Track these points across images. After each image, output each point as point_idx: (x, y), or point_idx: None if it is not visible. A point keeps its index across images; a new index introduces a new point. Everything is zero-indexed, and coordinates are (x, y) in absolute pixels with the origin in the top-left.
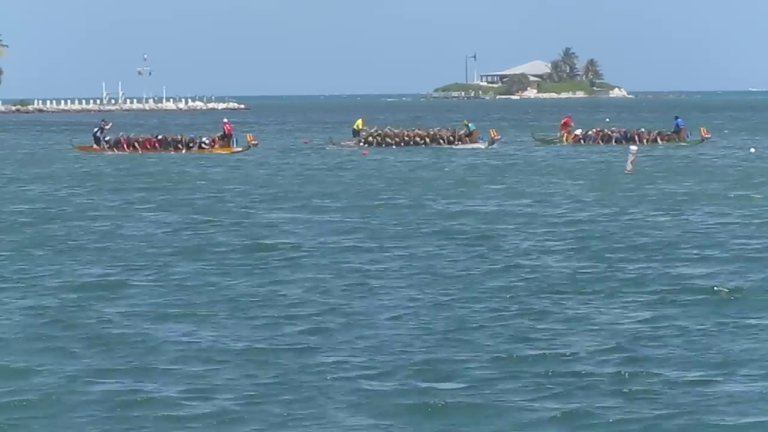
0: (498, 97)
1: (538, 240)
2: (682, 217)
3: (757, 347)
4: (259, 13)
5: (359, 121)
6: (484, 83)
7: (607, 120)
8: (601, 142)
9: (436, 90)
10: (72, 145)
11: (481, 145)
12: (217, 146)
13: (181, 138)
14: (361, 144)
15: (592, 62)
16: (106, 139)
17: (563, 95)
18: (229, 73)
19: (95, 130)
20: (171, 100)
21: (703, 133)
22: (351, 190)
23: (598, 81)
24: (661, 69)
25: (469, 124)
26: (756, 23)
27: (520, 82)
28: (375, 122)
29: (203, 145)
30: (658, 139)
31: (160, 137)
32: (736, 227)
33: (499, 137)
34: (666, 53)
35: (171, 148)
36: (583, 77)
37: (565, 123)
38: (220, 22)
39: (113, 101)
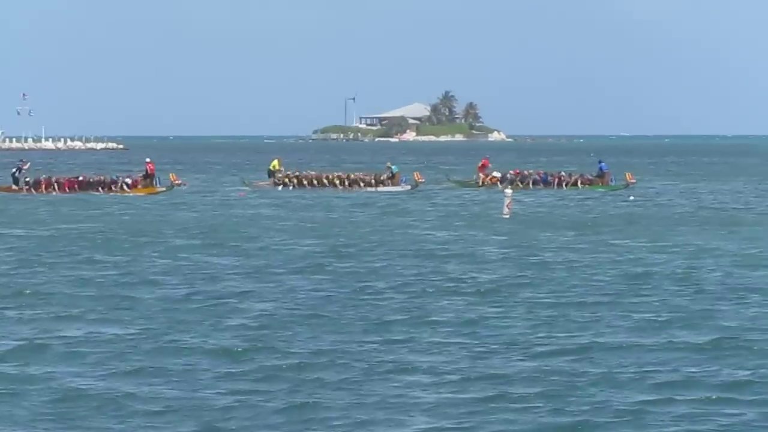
0: (377, 139)
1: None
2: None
3: None
4: (138, 51)
5: (275, 162)
6: (364, 125)
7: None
8: (519, 184)
9: (315, 131)
10: None
11: (403, 188)
12: (140, 186)
13: (103, 179)
14: (277, 185)
15: (471, 105)
16: (26, 179)
17: (442, 138)
18: (108, 112)
19: (13, 170)
20: (50, 139)
21: (628, 178)
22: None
23: (477, 124)
24: (540, 113)
25: (392, 167)
26: (632, 69)
27: (399, 124)
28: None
29: (125, 186)
30: (579, 183)
31: (81, 178)
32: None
33: (423, 180)
34: (545, 98)
35: (93, 189)
36: (463, 120)
37: (483, 165)
38: (100, 61)
39: None
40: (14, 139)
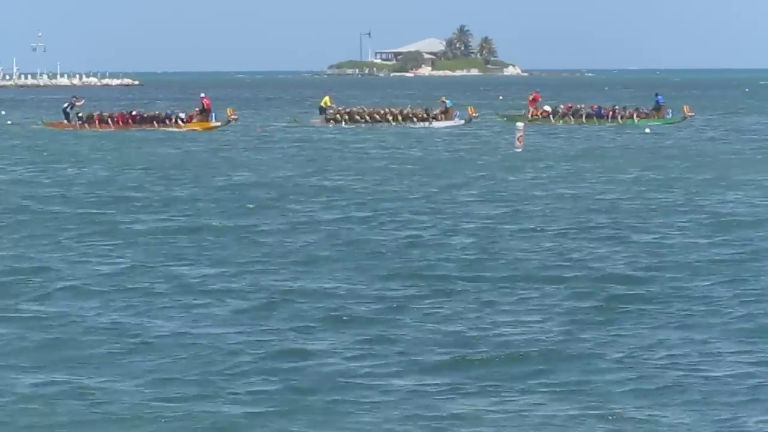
0: (392, 74)
1: None
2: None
3: None
4: None
5: (326, 99)
6: (379, 60)
7: (501, 98)
8: (571, 118)
9: (330, 67)
10: (41, 122)
11: (458, 122)
12: (195, 121)
13: (158, 114)
14: (329, 121)
15: (486, 40)
16: (79, 114)
17: (458, 73)
18: (122, 48)
19: (65, 105)
20: (65, 75)
21: (685, 111)
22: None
23: (492, 59)
24: (554, 47)
25: (446, 101)
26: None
27: (414, 59)
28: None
29: (180, 121)
30: (635, 117)
31: (134, 113)
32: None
33: (476, 115)
34: (560, 32)
35: (147, 124)
36: (478, 55)
37: (533, 99)
38: None
39: (7, 77)
40: (29, 76)
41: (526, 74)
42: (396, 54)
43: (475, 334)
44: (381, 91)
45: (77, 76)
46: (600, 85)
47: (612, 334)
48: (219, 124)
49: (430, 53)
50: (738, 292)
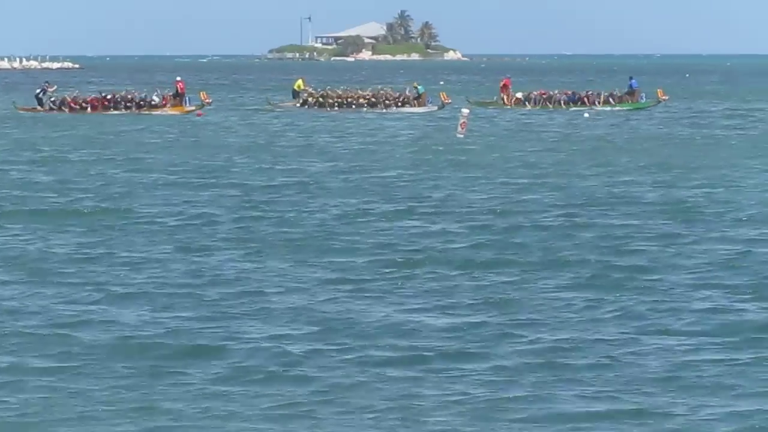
0: (333, 58)
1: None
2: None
3: None
4: None
5: (299, 81)
6: (319, 45)
7: (441, 83)
8: (548, 104)
9: (271, 51)
10: (14, 107)
11: (431, 108)
12: (169, 106)
13: (131, 97)
14: (299, 105)
15: (427, 24)
16: (52, 99)
17: (398, 57)
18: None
19: (38, 91)
20: (5, 59)
21: (659, 95)
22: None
23: (433, 43)
24: (494, 33)
25: (419, 87)
26: None
27: (355, 44)
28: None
29: (153, 104)
30: (611, 100)
31: (109, 96)
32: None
33: (449, 101)
34: (500, 16)
35: (121, 108)
36: (418, 39)
37: (504, 85)
38: None
39: None
40: None
41: (466, 59)
42: (336, 38)
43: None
44: (325, 76)
45: (17, 59)
46: (540, 71)
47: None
48: (193, 108)
49: (371, 38)
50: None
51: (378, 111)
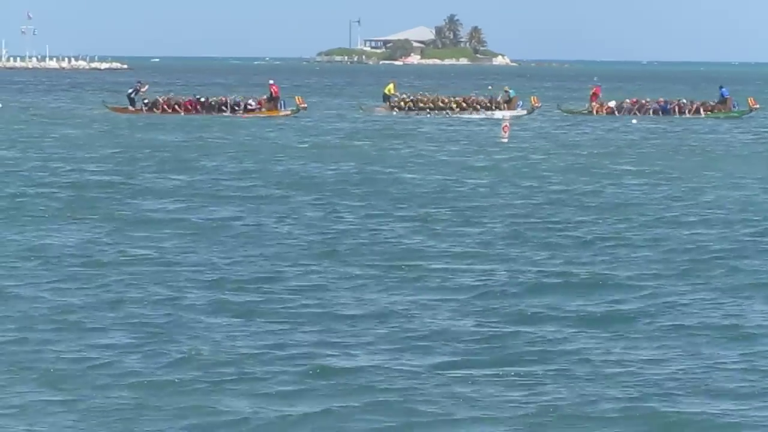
0: (381, 62)
1: None
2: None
3: None
4: None
5: (390, 86)
6: (368, 48)
7: (490, 87)
8: (637, 113)
9: (320, 54)
10: (105, 107)
11: (521, 112)
12: (263, 109)
13: (226, 100)
14: (393, 109)
15: (476, 29)
16: (144, 100)
17: (447, 62)
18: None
19: (130, 91)
20: (54, 59)
21: (751, 104)
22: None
23: (481, 48)
24: (543, 38)
25: (510, 90)
26: None
27: (403, 47)
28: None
29: (249, 108)
30: (701, 111)
31: (203, 99)
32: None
33: (539, 105)
34: (548, 23)
35: (214, 111)
36: (467, 44)
37: (594, 93)
38: None
39: None
40: (18, 59)
41: (515, 64)
42: (385, 42)
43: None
44: (374, 78)
45: (66, 59)
46: (589, 75)
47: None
48: (289, 112)
49: (420, 42)
50: None
51: (469, 115)
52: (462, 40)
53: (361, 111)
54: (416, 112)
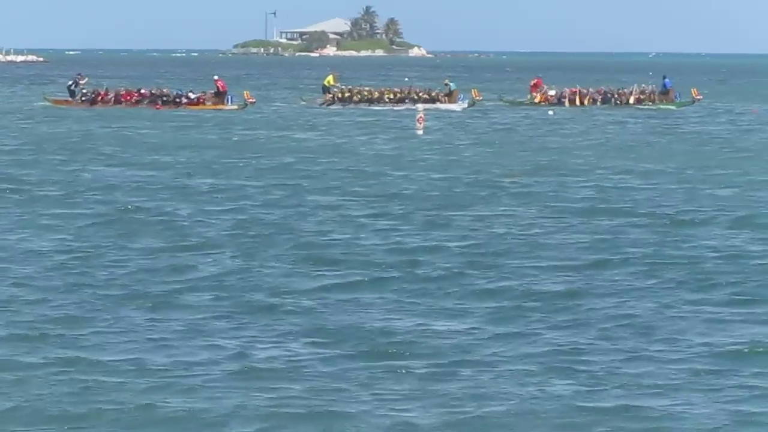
0: (297, 54)
1: None
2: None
3: None
4: None
5: (330, 77)
6: (284, 40)
7: (406, 79)
8: (580, 103)
9: (236, 46)
10: (45, 99)
11: (462, 105)
12: (209, 104)
13: (167, 93)
14: (329, 100)
15: (392, 21)
16: (83, 91)
17: (363, 53)
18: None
19: (69, 83)
20: None
21: (694, 95)
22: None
23: (397, 40)
24: (459, 29)
25: (450, 84)
26: None
27: (319, 39)
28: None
29: (190, 100)
30: (642, 100)
31: (143, 91)
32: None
33: (480, 97)
34: (465, 14)
35: (155, 104)
36: (383, 35)
37: (535, 84)
38: None
39: None
40: None
41: (431, 56)
42: (301, 34)
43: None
44: (289, 71)
45: None
46: (501, 66)
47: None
48: (236, 107)
49: (336, 33)
50: None
51: (407, 107)
52: (378, 31)
53: (302, 102)
54: (355, 104)
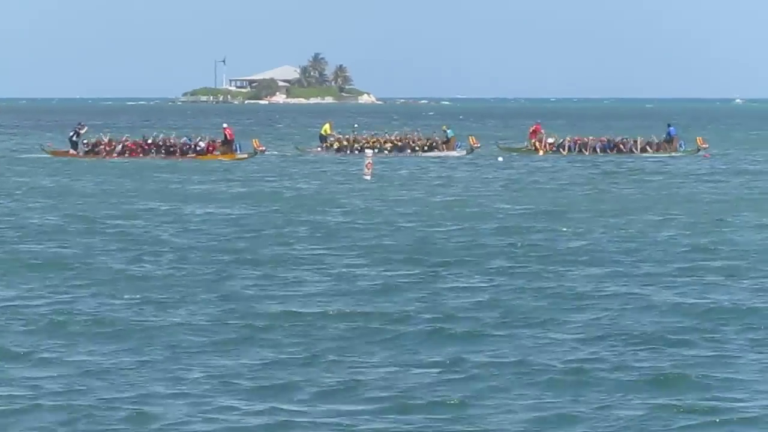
0: (247, 101)
1: None
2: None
3: None
4: None
5: (326, 126)
6: (233, 88)
7: (356, 126)
8: (584, 151)
9: (185, 94)
10: (43, 150)
11: (460, 153)
12: (218, 153)
13: (174, 142)
14: (326, 149)
15: (341, 68)
16: (84, 142)
17: (312, 100)
18: None
19: (71, 133)
20: None
21: (699, 143)
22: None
23: (347, 86)
24: (410, 76)
25: (448, 131)
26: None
27: (269, 87)
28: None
29: (198, 150)
30: (648, 149)
31: (150, 141)
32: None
33: (479, 145)
34: (415, 61)
35: (162, 154)
36: (333, 83)
37: (534, 131)
38: None
39: None
40: None
41: (381, 102)
42: (250, 81)
43: None
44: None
45: None
46: (456, 113)
47: None
48: (246, 155)
49: (285, 81)
50: None
51: (404, 155)
52: (327, 79)
53: (297, 151)
54: (353, 152)
